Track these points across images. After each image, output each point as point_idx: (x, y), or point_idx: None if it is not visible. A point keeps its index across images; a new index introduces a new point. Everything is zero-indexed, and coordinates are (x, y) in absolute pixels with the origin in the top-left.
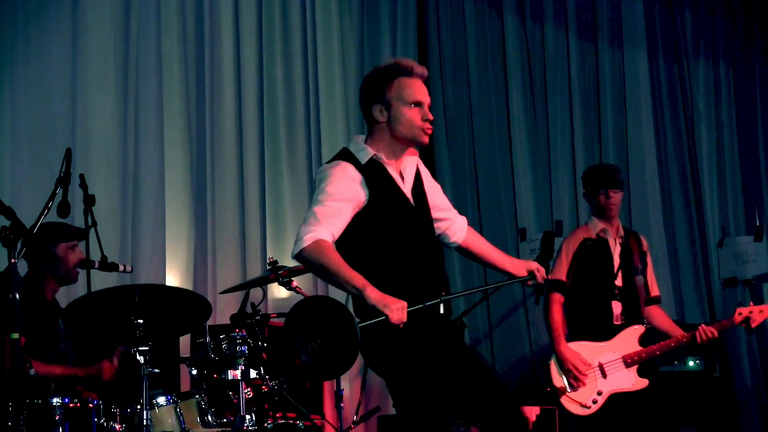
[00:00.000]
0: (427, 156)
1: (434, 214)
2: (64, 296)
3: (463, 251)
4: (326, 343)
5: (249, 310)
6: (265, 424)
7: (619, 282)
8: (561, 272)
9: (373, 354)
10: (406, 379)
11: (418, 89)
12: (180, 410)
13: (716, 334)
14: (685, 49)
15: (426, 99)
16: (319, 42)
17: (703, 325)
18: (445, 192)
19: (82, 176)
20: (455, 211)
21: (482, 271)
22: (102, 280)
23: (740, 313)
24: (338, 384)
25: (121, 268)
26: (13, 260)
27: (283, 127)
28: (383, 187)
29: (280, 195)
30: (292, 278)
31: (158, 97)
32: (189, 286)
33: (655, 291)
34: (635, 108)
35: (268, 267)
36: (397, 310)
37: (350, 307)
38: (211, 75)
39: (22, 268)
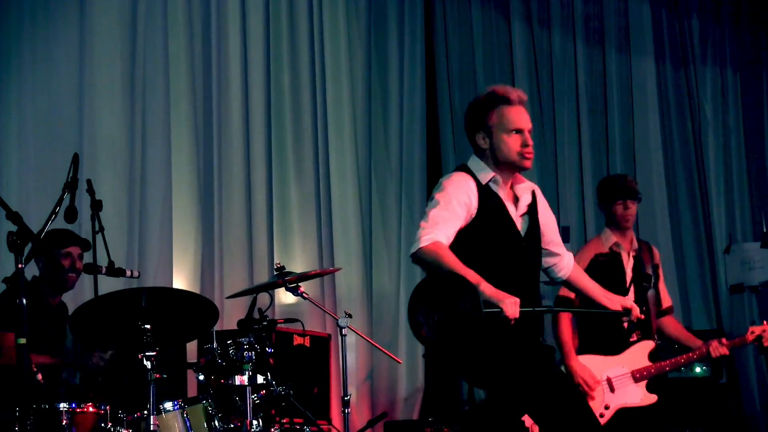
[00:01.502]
0: (434, 162)
1: (545, 246)
2: (71, 302)
3: (566, 284)
4: (448, 316)
5: (256, 315)
6: (272, 430)
7: (631, 296)
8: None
9: (474, 368)
10: (513, 379)
11: (516, 117)
12: (187, 416)
13: (727, 352)
14: (692, 55)
15: (525, 125)
16: (327, 48)
17: (715, 343)
18: None
19: (89, 181)
20: (564, 247)
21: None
22: (109, 286)
23: (753, 332)
24: (345, 389)
25: (128, 273)
26: (20, 265)
27: (289, 132)
28: (493, 208)
29: (287, 200)
30: (299, 284)
31: (165, 103)
32: (196, 292)
33: (667, 302)
34: (642, 114)
35: (275, 272)
36: (511, 305)
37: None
38: (218, 81)
39: (29, 272)
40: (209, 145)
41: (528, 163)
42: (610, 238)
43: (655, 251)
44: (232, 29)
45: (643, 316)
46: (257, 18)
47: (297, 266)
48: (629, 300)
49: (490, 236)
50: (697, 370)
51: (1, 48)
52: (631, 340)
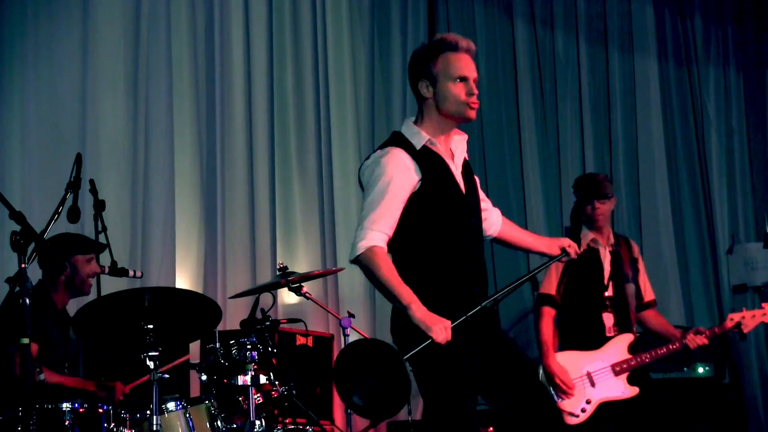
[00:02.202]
0: None
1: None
2: (74, 302)
3: (497, 241)
4: (378, 384)
5: (259, 315)
6: (275, 430)
7: (609, 292)
8: (551, 286)
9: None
10: (436, 388)
11: (464, 64)
12: (189, 415)
13: (706, 341)
14: (695, 56)
15: (472, 74)
16: (330, 47)
17: (692, 333)
18: None
19: (92, 181)
20: (490, 203)
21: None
22: (112, 286)
23: (731, 319)
24: None
25: (131, 273)
26: (23, 265)
27: (293, 132)
28: (436, 172)
29: (290, 200)
30: (302, 284)
31: (168, 103)
32: (199, 292)
33: (649, 296)
34: (645, 114)
35: (278, 272)
36: (440, 331)
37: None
38: (221, 80)
39: (35, 274)
40: (212, 145)
41: (472, 114)
42: (587, 235)
43: (634, 245)
44: (235, 29)
45: (581, 251)
46: (260, 18)
47: (300, 266)
48: (564, 239)
49: (437, 200)
50: (700, 370)
51: (4, 47)
52: (610, 334)
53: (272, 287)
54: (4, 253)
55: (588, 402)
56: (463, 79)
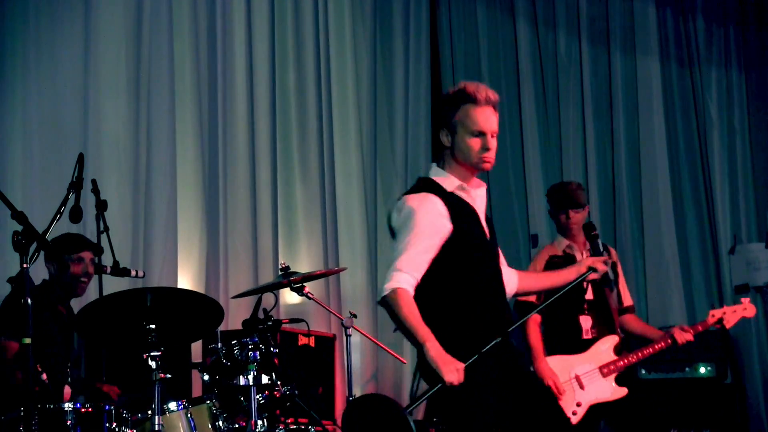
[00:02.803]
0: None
1: None
2: (76, 302)
3: (518, 296)
4: None
5: (261, 315)
6: (277, 430)
7: (589, 295)
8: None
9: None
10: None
11: (482, 118)
12: (191, 416)
13: (692, 338)
14: (697, 56)
15: (489, 128)
16: (332, 47)
17: (678, 329)
18: None
19: (94, 181)
20: (505, 265)
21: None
22: (114, 286)
23: (713, 315)
24: (350, 390)
25: (133, 273)
26: (25, 265)
27: (295, 132)
28: (467, 219)
29: (292, 200)
30: (304, 284)
31: (170, 102)
32: (201, 292)
33: (627, 301)
34: (647, 114)
35: (280, 272)
36: (451, 372)
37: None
38: (223, 80)
39: (38, 274)
40: (214, 145)
41: (485, 167)
42: (562, 242)
43: (612, 251)
44: (237, 29)
45: (607, 267)
46: (262, 18)
47: (302, 266)
48: (588, 259)
49: (467, 247)
50: (702, 370)
51: (5, 48)
52: (592, 337)
53: (274, 287)
54: (6, 253)
55: (578, 405)
56: (480, 134)
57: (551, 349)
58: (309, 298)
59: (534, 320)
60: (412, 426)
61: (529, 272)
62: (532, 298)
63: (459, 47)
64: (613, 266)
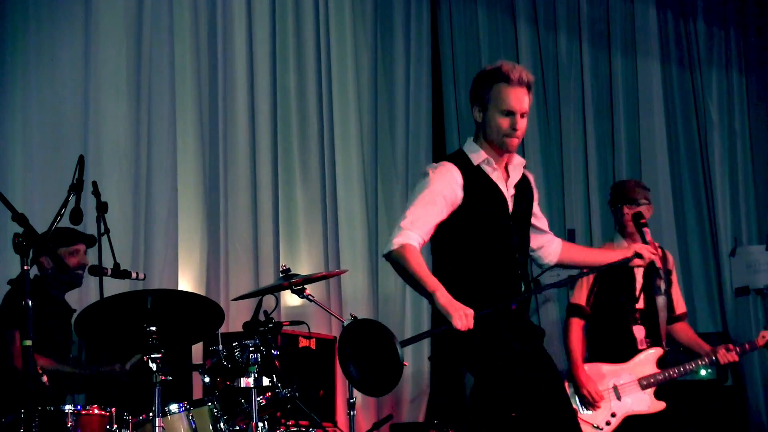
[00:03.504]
0: None
1: (532, 223)
2: (76, 303)
3: (561, 266)
4: (373, 362)
5: (262, 317)
6: None
7: (641, 305)
8: (581, 297)
9: (459, 351)
10: (492, 375)
11: (514, 97)
12: (192, 418)
13: (737, 358)
14: (698, 58)
15: (520, 108)
16: (333, 49)
17: (723, 350)
18: None
19: (94, 183)
20: (550, 233)
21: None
22: (114, 288)
23: (763, 337)
24: (350, 392)
25: (134, 275)
26: (26, 267)
27: (296, 134)
28: (483, 190)
29: (293, 202)
30: (305, 286)
31: (171, 105)
32: (201, 294)
33: (680, 309)
34: (648, 117)
35: (280, 274)
36: (460, 317)
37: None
38: (223, 83)
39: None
40: (215, 147)
41: (511, 146)
42: (621, 243)
43: (669, 256)
44: (238, 32)
45: (658, 254)
46: (263, 19)
47: (303, 268)
48: (636, 244)
49: (479, 217)
50: (702, 373)
51: (6, 50)
52: (642, 347)
53: (275, 289)
54: (6, 255)
55: (613, 415)
56: (510, 113)
57: (603, 358)
58: (310, 300)
59: (578, 325)
60: (400, 355)
61: (577, 245)
62: (582, 301)
63: (460, 49)
64: (668, 273)
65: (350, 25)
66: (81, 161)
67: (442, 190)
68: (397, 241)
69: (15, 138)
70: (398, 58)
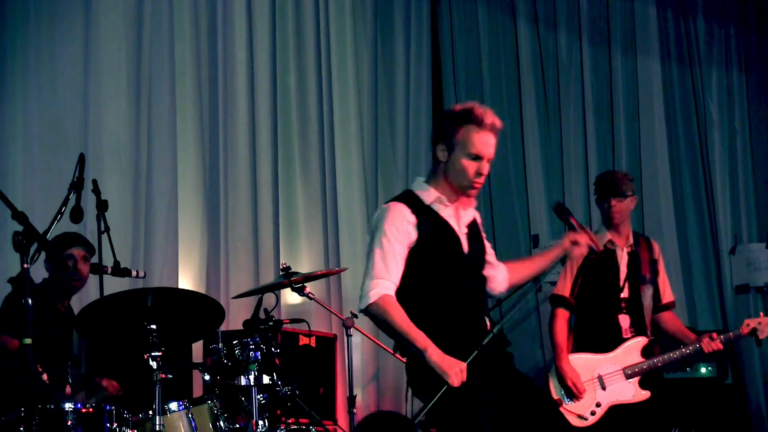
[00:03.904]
0: None
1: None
2: (76, 302)
3: (512, 289)
4: None
5: (262, 315)
6: (278, 430)
7: (625, 293)
8: (565, 288)
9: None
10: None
11: (484, 142)
12: (192, 416)
13: (722, 347)
14: (698, 57)
15: (488, 154)
16: (333, 48)
17: (707, 338)
18: None
19: (94, 182)
20: (497, 263)
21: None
22: (115, 286)
23: (748, 325)
24: (351, 390)
25: (134, 273)
26: (26, 265)
27: (296, 133)
28: (436, 231)
29: (293, 201)
30: (305, 284)
31: (171, 103)
32: (202, 292)
33: (667, 297)
34: (648, 115)
35: (281, 273)
36: (456, 375)
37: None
38: (224, 82)
39: (38, 274)
40: (215, 145)
41: (473, 193)
42: (604, 236)
43: (655, 246)
44: (238, 30)
45: (591, 241)
46: (263, 19)
47: (303, 266)
48: (570, 234)
49: (435, 256)
50: (703, 370)
51: (5, 49)
52: (626, 336)
53: (275, 287)
54: (6, 254)
55: (598, 405)
56: (478, 158)
57: (589, 347)
58: (310, 298)
59: (562, 316)
60: None
61: (518, 262)
62: (566, 292)
63: (460, 48)
64: (654, 263)
65: (350, 25)
66: (81, 159)
67: (397, 232)
68: (374, 293)
69: (15, 136)
70: (398, 57)
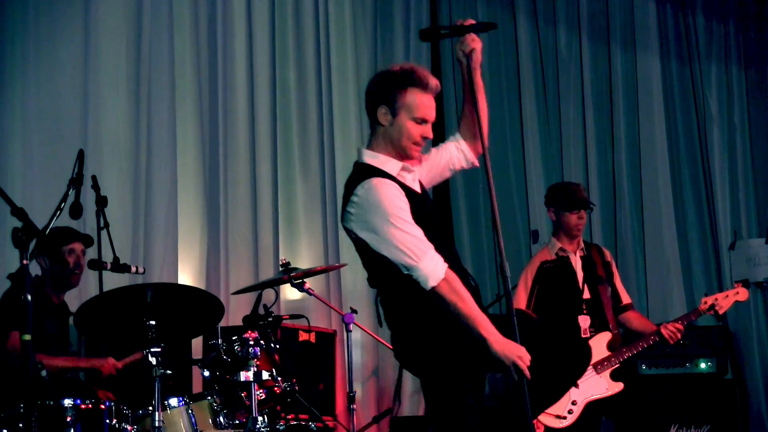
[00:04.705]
0: None
1: (437, 161)
2: (76, 298)
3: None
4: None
5: (261, 311)
6: (278, 426)
7: (586, 294)
8: (520, 301)
9: (413, 355)
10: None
11: (428, 106)
12: (192, 412)
13: (682, 328)
14: (697, 52)
15: (432, 118)
16: (333, 44)
17: (662, 326)
18: (457, 195)
19: (94, 177)
20: (433, 150)
21: (491, 245)
22: (114, 282)
23: (705, 302)
24: (350, 386)
25: (134, 269)
26: (25, 261)
27: (295, 129)
28: (413, 200)
29: (292, 197)
30: (305, 280)
31: (171, 99)
32: (201, 288)
33: (626, 299)
34: (648, 111)
35: (280, 268)
36: (521, 362)
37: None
38: (223, 77)
39: (34, 270)
40: (215, 141)
41: (415, 155)
42: (555, 246)
43: (606, 251)
44: (238, 26)
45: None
46: (263, 15)
47: (302, 262)
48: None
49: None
50: (702, 366)
51: (5, 45)
52: (585, 335)
53: (275, 283)
54: (5, 250)
55: (574, 403)
56: (424, 121)
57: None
58: (309, 294)
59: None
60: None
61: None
62: (522, 305)
63: None
64: (607, 265)
65: (350, 21)
66: (81, 155)
67: (401, 202)
68: (436, 270)
69: (14, 133)
70: (398, 54)
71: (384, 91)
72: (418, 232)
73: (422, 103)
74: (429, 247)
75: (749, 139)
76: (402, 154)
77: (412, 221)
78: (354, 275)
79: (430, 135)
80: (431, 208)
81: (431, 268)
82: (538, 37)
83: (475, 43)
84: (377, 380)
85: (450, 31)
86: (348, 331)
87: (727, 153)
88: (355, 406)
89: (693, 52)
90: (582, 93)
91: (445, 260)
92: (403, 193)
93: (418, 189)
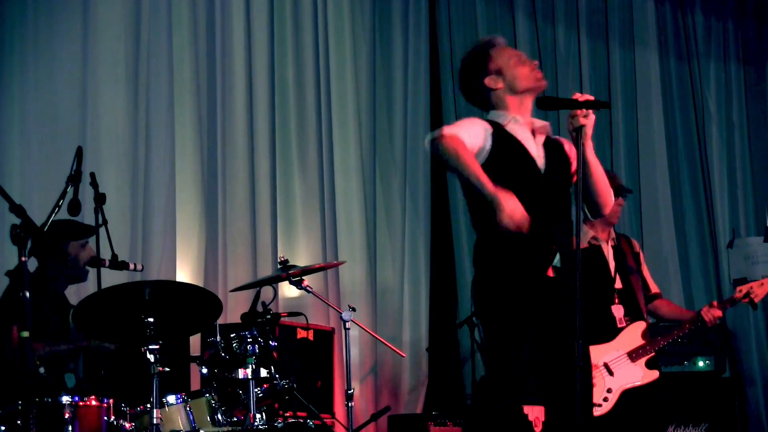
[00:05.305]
0: None
1: None
2: (74, 294)
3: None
4: None
5: (260, 309)
6: (276, 423)
7: (618, 284)
8: None
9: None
10: (496, 335)
11: (514, 50)
12: (190, 409)
13: (721, 314)
14: (695, 50)
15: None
16: (331, 42)
17: (706, 307)
18: (455, 194)
19: (92, 175)
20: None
21: None
22: (112, 279)
23: (740, 290)
24: (348, 383)
25: (132, 266)
26: (23, 258)
27: (294, 126)
28: (509, 149)
29: (291, 194)
30: (303, 277)
31: (169, 96)
32: (199, 285)
33: (654, 288)
34: (646, 109)
35: (278, 266)
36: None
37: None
38: (222, 75)
39: (32, 264)
40: (213, 138)
41: (544, 83)
42: (587, 234)
43: (634, 242)
44: (236, 24)
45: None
46: (261, 14)
47: (301, 260)
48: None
49: (508, 175)
50: (701, 364)
51: (4, 41)
52: (621, 325)
53: (273, 280)
54: (4, 247)
55: (609, 391)
56: (524, 60)
57: (587, 342)
58: (308, 292)
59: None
60: None
61: None
62: None
63: (458, 42)
64: (636, 255)
65: (348, 18)
66: (79, 152)
67: (474, 127)
68: (446, 130)
69: (13, 129)
70: (396, 50)
71: (478, 68)
72: (471, 129)
73: (510, 50)
74: (464, 131)
75: (748, 137)
76: (534, 91)
77: (476, 128)
78: (352, 273)
79: (536, 62)
80: (550, 167)
81: (448, 129)
82: (537, 34)
83: (586, 119)
84: (375, 378)
85: (566, 104)
86: (346, 328)
87: (726, 151)
88: (353, 404)
89: (692, 50)
90: (580, 90)
91: (556, 228)
92: (491, 131)
93: (530, 143)
